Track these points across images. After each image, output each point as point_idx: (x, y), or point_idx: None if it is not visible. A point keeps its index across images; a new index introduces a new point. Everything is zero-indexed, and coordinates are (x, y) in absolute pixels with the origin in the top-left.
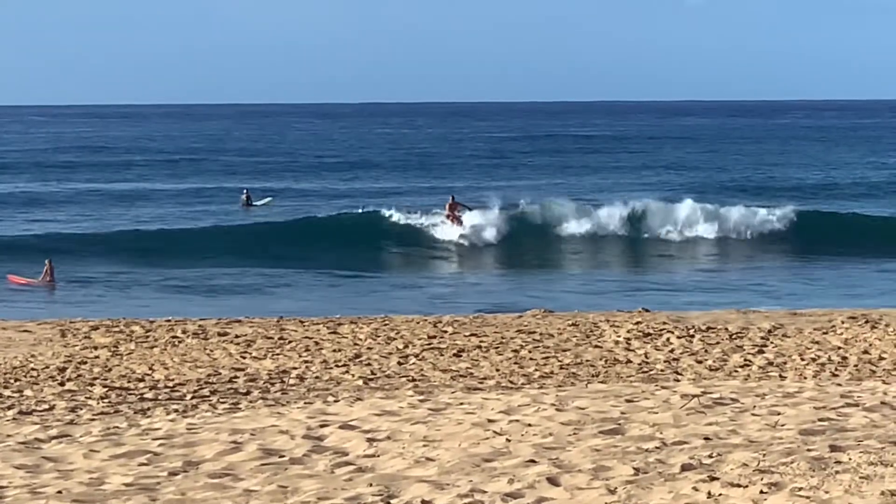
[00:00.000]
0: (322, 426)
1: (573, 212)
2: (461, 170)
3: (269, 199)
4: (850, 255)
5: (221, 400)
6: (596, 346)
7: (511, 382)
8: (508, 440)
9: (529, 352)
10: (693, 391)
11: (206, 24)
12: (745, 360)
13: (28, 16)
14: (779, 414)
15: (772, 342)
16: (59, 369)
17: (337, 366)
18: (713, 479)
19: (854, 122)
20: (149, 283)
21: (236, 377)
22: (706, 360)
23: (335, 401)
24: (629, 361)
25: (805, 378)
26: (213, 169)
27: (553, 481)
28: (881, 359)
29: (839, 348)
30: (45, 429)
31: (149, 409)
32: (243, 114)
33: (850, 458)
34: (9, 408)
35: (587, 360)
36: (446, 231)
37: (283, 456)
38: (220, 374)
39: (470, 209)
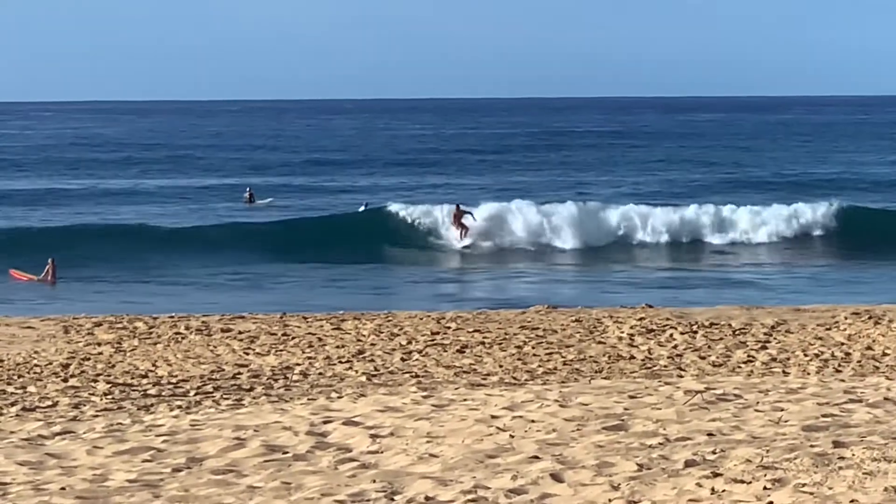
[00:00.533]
0: (325, 422)
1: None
2: (469, 166)
3: (270, 199)
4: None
5: (225, 396)
6: (599, 342)
7: (514, 378)
8: (512, 436)
9: (533, 348)
10: (696, 387)
11: (208, 19)
12: (749, 356)
13: (31, 12)
14: (782, 410)
15: (775, 338)
16: (62, 366)
17: (340, 362)
18: (716, 475)
19: (857, 117)
20: (152, 280)
21: (240, 373)
22: (709, 356)
23: (338, 397)
24: (632, 357)
25: (808, 374)
26: (215, 166)
27: (556, 477)
28: (885, 355)
29: (842, 344)
30: (49, 425)
31: (152, 405)
32: (246, 110)
33: (853, 454)
34: (12, 404)
35: (590, 356)
36: (451, 238)
37: (287, 452)
38: (223, 370)
39: (475, 218)
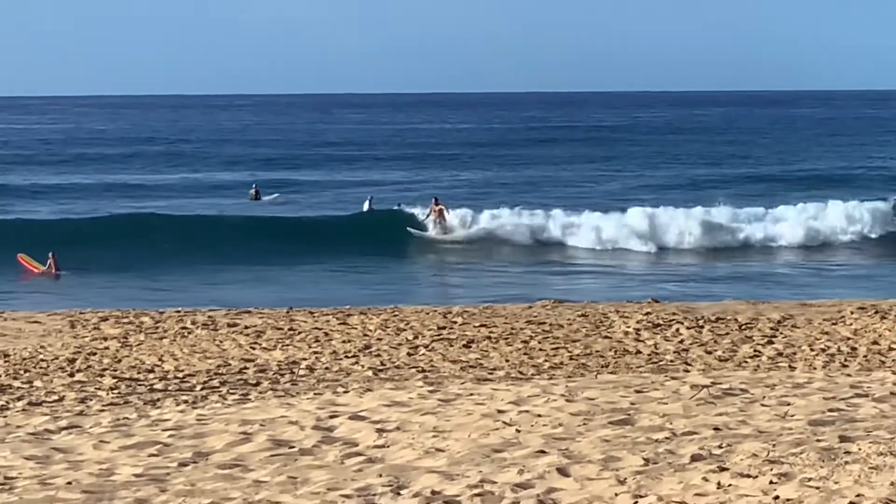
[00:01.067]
0: (332, 417)
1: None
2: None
3: (275, 195)
4: None
5: (231, 391)
6: (605, 337)
7: (521, 373)
8: (518, 431)
9: (539, 342)
10: (703, 382)
11: (211, 13)
12: (755, 350)
13: (33, 9)
14: (788, 404)
15: (781, 333)
16: (68, 360)
17: (346, 356)
18: (723, 469)
19: (864, 112)
20: (158, 275)
21: (246, 368)
22: (716, 350)
23: (345, 392)
24: (639, 352)
25: (814, 368)
26: (220, 161)
27: (563, 472)
28: (891, 349)
29: (849, 339)
30: (55, 420)
31: (158, 399)
32: (251, 105)
33: (859, 449)
34: (18, 399)
35: (597, 351)
36: (430, 227)
37: (293, 447)
38: (229, 364)
39: (448, 212)
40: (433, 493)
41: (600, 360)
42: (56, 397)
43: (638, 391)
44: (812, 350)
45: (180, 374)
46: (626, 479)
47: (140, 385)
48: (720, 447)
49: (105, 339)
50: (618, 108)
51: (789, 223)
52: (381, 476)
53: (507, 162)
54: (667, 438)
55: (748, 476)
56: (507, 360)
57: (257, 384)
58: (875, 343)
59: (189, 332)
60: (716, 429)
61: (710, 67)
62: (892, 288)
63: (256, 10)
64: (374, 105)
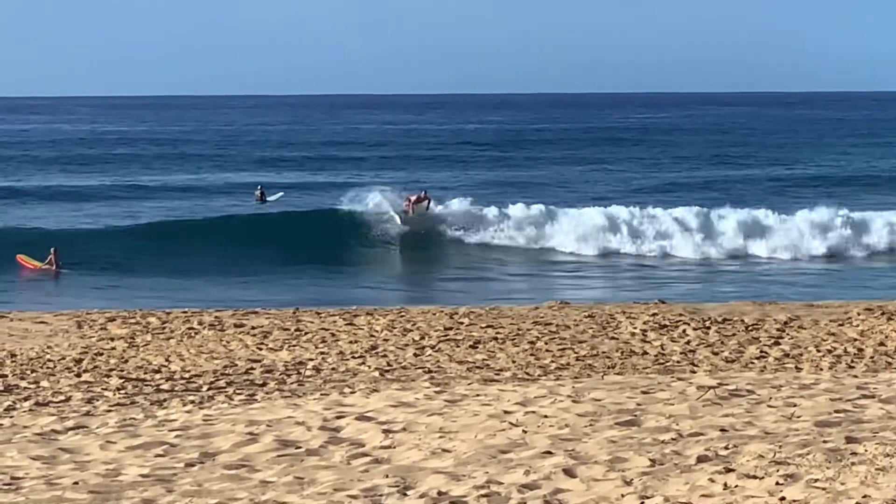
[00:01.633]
0: (338, 417)
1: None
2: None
3: (280, 194)
4: None
5: (238, 391)
6: (612, 338)
7: (527, 374)
8: (525, 431)
9: (546, 343)
10: (709, 383)
11: (213, 14)
12: (761, 351)
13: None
14: (795, 405)
15: (788, 334)
16: (75, 360)
17: (353, 357)
18: (729, 470)
19: (865, 113)
20: (164, 275)
21: (252, 368)
22: (722, 351)
23: (351, 392)
24: (645, 353)
25: (821, 370)
26: (225, 163)
27: (569, 473)
28: None
29: (855, 340)
30: (62, 420)
31: (165, 400)
32: (257, 105)
33: (866, 450)
34: (25, 399)
35: (603, 352)
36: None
37: (300, 447)
38: (236, 365)
39: (428, 207)
40: (440, 493)
41: (607, 361)
42: (63, 397)
43: (644, 392)
44: (818, 351)
45: (187, 375)
46: (632, 479)
47: (147, 385)
48: (726, 448)
49: (112, 339)
50: (657, 107)
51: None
52: (387, 477)
53: (511, 162)
54: (673, 439)
55: (754, 477)
56: (513, 361)
57: (264, 384)
58: (882, 344)
59: (196, 333)
60: (722, 430)
61: (713, 68)
62: None
63: (261, 10)
64: (379, 106)
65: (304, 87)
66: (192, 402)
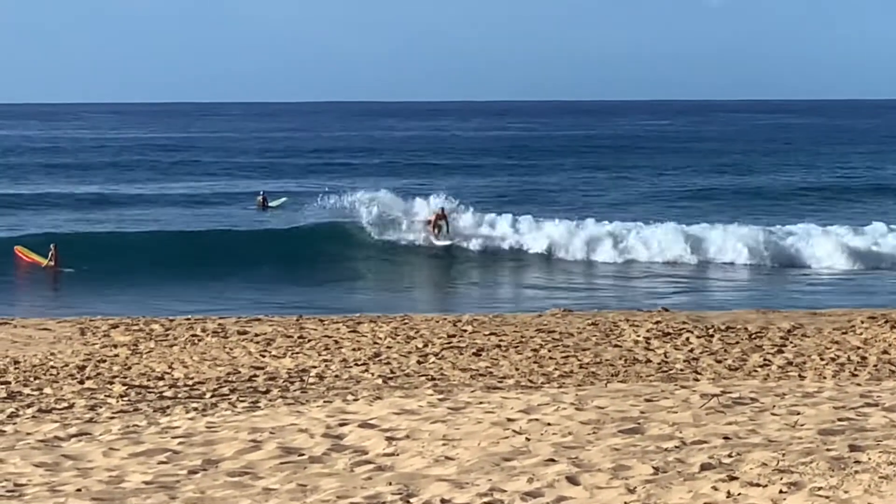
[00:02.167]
0: (341, 425)
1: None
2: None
3: (283, 199)
4: None
5: (241, 398)
6: (615, 346)
7: (531, 381)
8: (528, 439)
9: (549, 351)
10: (713, 391)
11: (222, 20)
12: (765, 359)
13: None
14: (798, 414)
15: (791, 342)
16: (78, 367)
17: (356, 364)
18: (732, 478)
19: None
20: (168, 283)
21: (256, 376)
22: (726, 359)
23: (354, 399)
24: (649, 361)
25: (824, 378)
26: (228, 169)
27: (572, 480)
28: None
29: (859, 348)
30: (65, 427)
31: (168, 407)
32: (263, 113)
33: (869, 458)
34: (28, 406)
35: (607, 360)
36: (424, 239)
37: (303, 454)
38: (239, 372)
39: (448, 229)
40: (443, 501)
41: (610, 368)
42: (66, 404)
43: (648, 400)
44: (822, 359)
45: (190, 382)
46: (635, 487)
47: (150, 392)
48: (730, 456)
49: (115, 346)
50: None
51: None
52: (390, 484)
53: (518, 171)
54: (676, 447)
55: (758, 485)
56: (516, 369)
57: (267, 392)
58: (885, 352)
59: (199, 340)
60: (725, 438)
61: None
62: None
63: (264, 16)
64: (386, 113)
65: (309, 94)
66: (196, 409)
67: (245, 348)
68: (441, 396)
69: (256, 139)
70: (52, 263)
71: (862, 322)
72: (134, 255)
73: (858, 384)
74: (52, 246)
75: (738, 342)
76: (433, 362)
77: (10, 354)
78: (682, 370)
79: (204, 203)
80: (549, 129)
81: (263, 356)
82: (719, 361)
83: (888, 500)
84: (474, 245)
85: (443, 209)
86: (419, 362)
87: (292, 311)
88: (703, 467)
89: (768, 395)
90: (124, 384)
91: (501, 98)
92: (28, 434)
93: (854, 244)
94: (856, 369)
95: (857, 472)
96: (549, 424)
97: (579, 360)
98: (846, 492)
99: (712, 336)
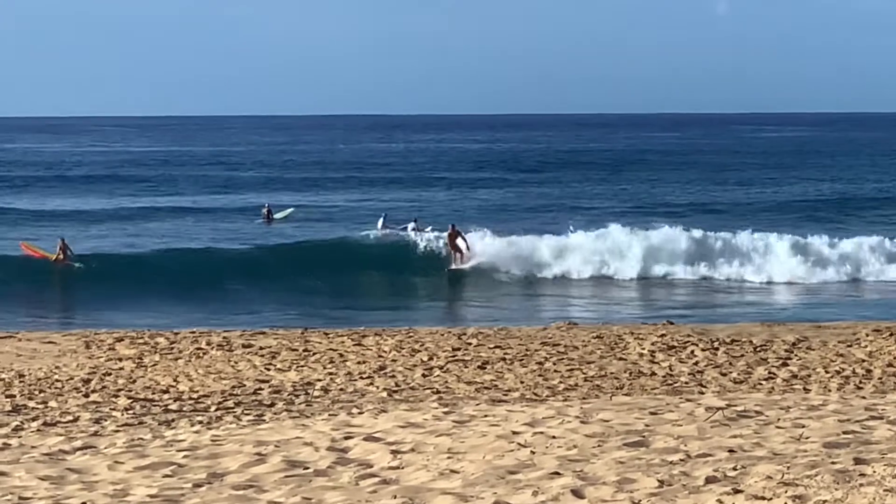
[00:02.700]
0: (346, 438)
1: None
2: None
3: (290, 210)
4: None
5: (246, 412)
6: (620, 359)
7: (535, 394)
8: (533, 452)
9: (554, 364)
10: (717, 404)
11: (228, 33)
12: (770, 372)
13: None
14: (803, 427)
15: (796, 355)
16: (83, 381)
17: (361, 377)
18: (737, 491)
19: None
20: (173, 297)
21: (261, 389)
22: (730, 372)
23: (359, 413)
24: (653, 374)
25: (829, 391)
26: (236, 183)
27: (577, 494)
28: None
29: (863, 361)
30: (70, 440)
31: (173, 420)
32: (274, 126)
33: (874, 471)
34: (33, 419)
35: (611, 373)
36: (445, 260)
37: (308, 468)
38: (244, 385)
39: (468, 245)
40: None
41: (615, 381)
42: (71, 418)
43: (653, 413)
44: (827, 372)
45: (195, 395)
46: (640, 500)
47: (155, 406)
48: (735, 469)
49: (120, 359)
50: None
51: None
52: (395, 497)
53: (528, 184)
54: (681, 460)
55: (763, 498)
56: (521, 382)
57: (272, 405)
58: (890, 365)
59: (204, 353)
60: (730, 451)
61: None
62: None
63: (283, 30)
64: (392, 126)
65: (319, 108)
66: (201, 422)
67: (250, 361)
68: (446, 409)
69: (262, 151)
70: (61, 257)
71: (867, 335)
72: (143, 270)
73: (863, 397)
74: (60, 240)
75: (742, 355)
76: (438, 375)
77: (16, 368)
78: (686, 383)
79: (208, 217)
80: (564, 142)
81: (268, 369)
82: (724, 374)
83: None
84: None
85: (452, 225)
86: (424, 375)
87: (297, 325)
88: (708, 480)
89: (773, 408)
90: (129, 397)
91: (509, 111)
92: (33, 447)
93: None
94: (861, 382)
95: (861, 485)
96: (553, 437)
97: (584, 374)
98: None
99: (717, 349)
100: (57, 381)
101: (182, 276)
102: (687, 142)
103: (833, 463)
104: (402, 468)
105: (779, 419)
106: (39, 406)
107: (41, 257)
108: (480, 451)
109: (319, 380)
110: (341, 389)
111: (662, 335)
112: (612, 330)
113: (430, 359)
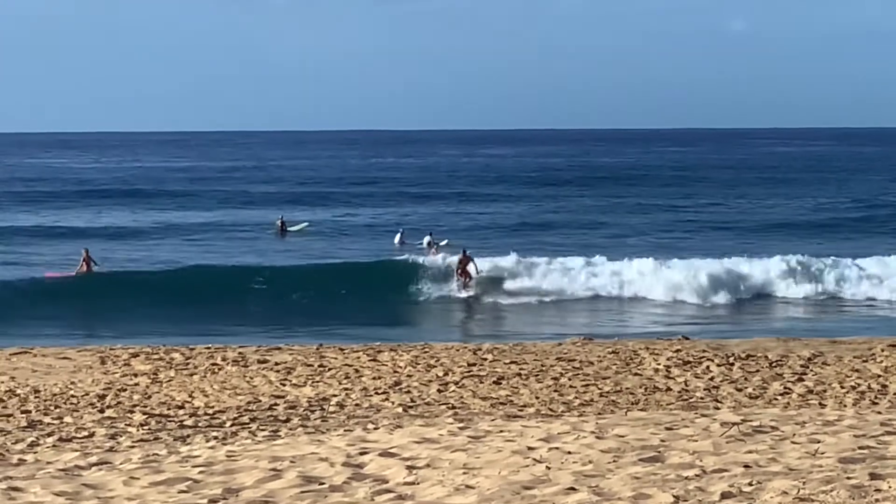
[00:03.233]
0: (362, 454)
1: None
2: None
3: (304, 224)
4: None
5: (261, 427)
6: (636, 374)
7: (551, 410)
8: (548, 468)
9: (569, 379)
10: (733, 419)
11: (238, 50)
12: (785, 388)
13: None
14: (819, 442)
15: (812, 370)
16: (98, 396)
17: (377, 393)
18: None
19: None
20: (187, 314)
21: (276, 404)
22: (746, 387)
23: (375, 428)
24: (669, 389)
25: (845, 406)
26: (253, 199)
27: None
28: None
29: (879, 376)
30: (85, 456)
31: (188, 436)
32: (290, 141)
33: (889, 487)
34: (49, 435)
35: (627, 388)
36: (454, 288)
37: (323, 483)
38: (259, 401)
39: (478, 269)
40: None
41: (630, 397)
42: (86, 433)
43: (668, 428)
44: (842, 387)
45: (210, 411)
46: None
47: (170, 421)
48: (750, 485)
49: (135, 375)
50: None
51: None
52: None
53: (544, 200)
54: (697, 476)
55: None
56: (537, 397)
57: (287, 420)
58: None
59: (219, 369)
60: (746, 466)
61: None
62: None
63: (296, 47)
64: (407, 142)
65: (338, 123)
66: (216, 437)
67: (265, 377)
68: (461, 425)
69: (278, 167)
70: (84, 269)
71: (882, 350)
72: (156, 285)
73: (879, 412)
74: (83, 250)
75: (758, 370)
76: (453, 391)
77: (31, 383)
78: (702, 398)
79: (221, 230)
80: (587, 156)
81: (284, 385)
82: (740, 390)
83: None
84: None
85: (464, 250)
86: (439, 391)
87: (312, 340)
88: (724, 496)
89: (788, 424)
90: (145, 413)
91: (525, 126)
92: (48, 463)
93: None
94: (876, 397)
95: (877, 500)
96: (569, 453)
97: (599, 389)
98: None
99: (732, 364)
100: (72, 396)
101: (196, 291)
102: (707, 157)
103: (849, 478)
104: (418, 484)
105: (794, 434)
106: (55, 422)
107: (65, 277)
108: (496, 467)
109: (335, 395)
110: (357, 405)
111: (678, 350)
112: (627, 345)
113: (446, 374)
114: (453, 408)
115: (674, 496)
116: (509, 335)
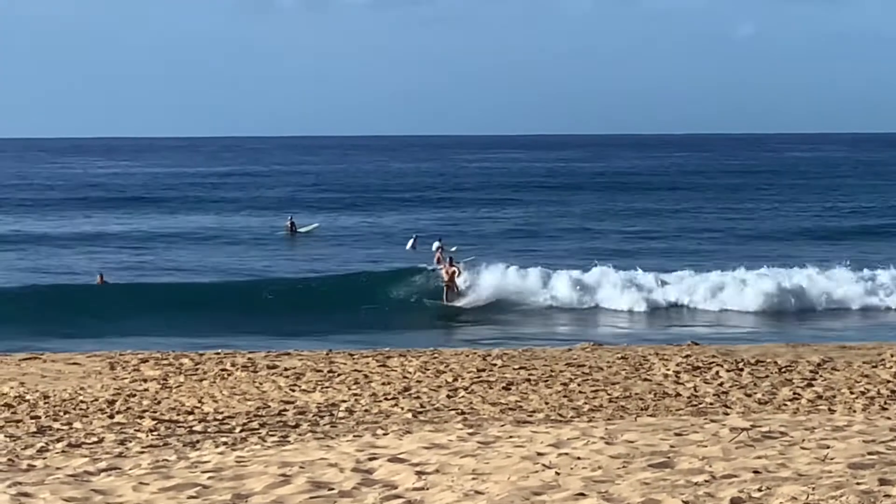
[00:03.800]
0: (371, 459)
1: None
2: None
3: (315, 225)
4: None
5: (271, 433)
6: (645, 380)
7: (560, 416)
8: (558, 473)
9: (579, 385)
10: (742, 424)
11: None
12: (795, 393)
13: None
14: (828, 447)
15: (821, 375)
16: (108, 402)
17: (386, 399)
18: None
19: None
20: (196, 321)
21: (285, 410)
22: (755, 393)
23: (384, 434)
24: (678, 395)
25: (854, 411)
26: (265, 204)
27: None
28: None
29: (888, 382)
30: (95, 461)
31: (198, 441)
32: (302, 146)
33: None
34: (58, 440)
35: (636, 394)
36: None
37: (333, 489)
38: (269, 406)
39: (460, 271)
40: None
41: (640, 402)
42: (95, 439)
43: (677, 434)
44: (852, 393)
45: (220, 416)
46: None
47: (179, 427)
48: (759, 490)
49: (145, 380)
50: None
51: None
52: None
53: (548, 204)
54: (706, 481)
55: None
56: (546, 403)
57: (297, 426)
58: None
59: (229, 374)
60: (755, 472)
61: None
62: None
63: (307, 50)
64: (412, 147)
65: (338, 129)
66: (225, 443)
67: (275, 382)
68: (471, 430)
69: (290, 172)
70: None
71: (892, 355)
72: (165, 291)
73: (888, 418)
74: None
75: (767, 376)
76: (463, 396)
77: (40, 389)
78: (711, 404)
79: (231, 236)
80: (604, 161)
81: (293, 390)
82: (749, 395)
83: None
84: (473, 301)
85: (451, 260)
86: (449, 396)
87: (321, 346)
88: (733, 501)
89: (798, 429)
90: (154, 418)
91: (530, 132)
92: (58, 469)
93: None
94: (886, 403)
95: None
96: (578, 458)
97: (609, 395)
98: None
99: (742, 370)
100: (82, 402)
101: (206, 297)
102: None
103: (858, 484)
104: (427, 489)
105: (803, 440)
106: (64, 427)
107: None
108: (505, 473)
109: (344, 401)
110: (366, 410)
111: (687, 356)
112: (636, 351)
113: (455, 380)
114: (462, 413)
115: (683, 502)
116: (519, 341)
